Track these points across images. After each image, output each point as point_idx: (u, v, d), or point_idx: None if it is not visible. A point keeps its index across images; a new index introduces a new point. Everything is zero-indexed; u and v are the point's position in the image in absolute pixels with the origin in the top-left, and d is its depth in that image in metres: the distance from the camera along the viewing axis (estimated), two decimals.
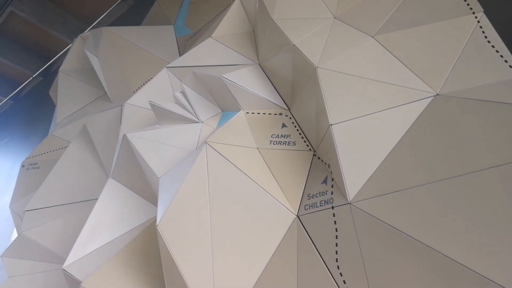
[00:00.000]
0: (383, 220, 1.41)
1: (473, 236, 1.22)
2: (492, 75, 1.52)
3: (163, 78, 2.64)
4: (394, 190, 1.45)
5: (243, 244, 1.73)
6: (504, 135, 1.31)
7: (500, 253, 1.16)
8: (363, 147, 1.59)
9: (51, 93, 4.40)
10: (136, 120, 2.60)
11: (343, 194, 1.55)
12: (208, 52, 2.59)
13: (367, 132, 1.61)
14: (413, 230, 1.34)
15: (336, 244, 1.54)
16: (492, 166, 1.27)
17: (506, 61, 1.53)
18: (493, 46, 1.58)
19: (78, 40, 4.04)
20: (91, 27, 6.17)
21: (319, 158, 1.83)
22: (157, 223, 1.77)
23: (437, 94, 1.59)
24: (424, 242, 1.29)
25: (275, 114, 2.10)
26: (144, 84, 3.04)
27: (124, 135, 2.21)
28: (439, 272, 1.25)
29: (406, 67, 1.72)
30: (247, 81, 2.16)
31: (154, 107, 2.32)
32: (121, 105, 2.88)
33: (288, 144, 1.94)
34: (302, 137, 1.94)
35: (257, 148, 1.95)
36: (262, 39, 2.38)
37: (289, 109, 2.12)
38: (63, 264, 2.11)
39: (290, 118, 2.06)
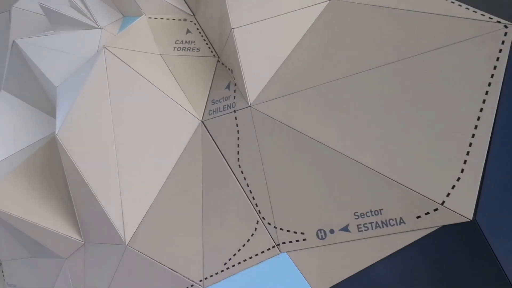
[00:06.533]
0: (280, 120, 1.51)
1: (354, 131, 1.37)
2: None
3: None
4: (290, 92, 1.54)
5: (148, 150, 1.75)
6: (393, 38, 1.41)
7: (370, 141, 1.34)
8: (263, 50, 1.63)
9: None
10: (27, 26, 2.36)
11: (244, 98, 1.60)
12: None
13: (268, 36, 1.63)
14: (306, 129, 1.46)
15: (238, 145, 1.63)
16: (378, 66, 1.39)
17: None
18: None
19: None
20: None
21: (223, 64, 1.83)
22: (56, 132, 1.71)
23: None
24: (315, 138, 1.42)
25: (179, 19, 2.01)
26: None
27: (14, 41, 2.03)
28: (325, 162, 1.41)
29: None
30: None
31: (46, 10, 2.09)
32: (9, 11, 2.56)
33: (192, 50, 1.90)
34: (207, 43, 1.91)
35: (160, 54, 1.89)
36: None
37: (193, 15, 2.04)
38: None
39: (195, 24, 1.99)
